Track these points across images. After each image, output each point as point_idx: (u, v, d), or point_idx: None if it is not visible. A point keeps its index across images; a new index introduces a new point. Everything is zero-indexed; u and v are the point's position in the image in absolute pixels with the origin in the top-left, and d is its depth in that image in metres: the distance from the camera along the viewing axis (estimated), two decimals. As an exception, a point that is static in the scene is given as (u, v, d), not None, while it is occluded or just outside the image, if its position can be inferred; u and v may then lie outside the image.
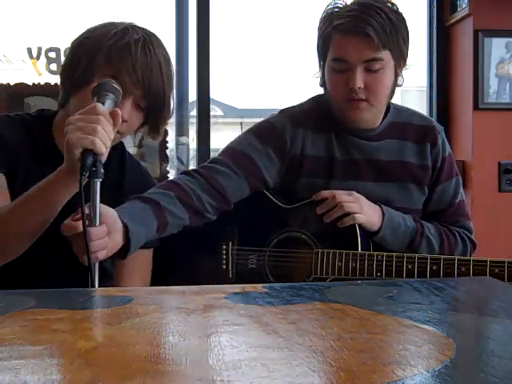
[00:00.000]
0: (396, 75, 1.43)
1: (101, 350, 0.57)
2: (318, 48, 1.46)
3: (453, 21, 2.58)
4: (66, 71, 1.27)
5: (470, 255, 1.50)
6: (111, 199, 1.33)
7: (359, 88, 1.36)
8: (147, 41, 1.25)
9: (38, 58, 2.43)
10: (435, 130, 1.51)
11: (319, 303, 0.77)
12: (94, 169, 1.04)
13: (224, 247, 1.48)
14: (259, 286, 0.89)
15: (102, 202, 1.30)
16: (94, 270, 1.08)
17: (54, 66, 2.44)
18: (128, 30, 1.24)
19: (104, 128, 1.06)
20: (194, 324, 0.68)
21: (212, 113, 2.63)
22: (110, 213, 1.15)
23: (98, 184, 1.07)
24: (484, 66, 2.47)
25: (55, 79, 2.38)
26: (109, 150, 1.09)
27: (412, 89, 3.66)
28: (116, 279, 1.35)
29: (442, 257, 1.34)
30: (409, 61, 1.47)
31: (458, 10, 2.53)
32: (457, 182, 1.53)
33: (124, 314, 0.71)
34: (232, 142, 1.50)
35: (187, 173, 1.43)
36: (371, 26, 1.34)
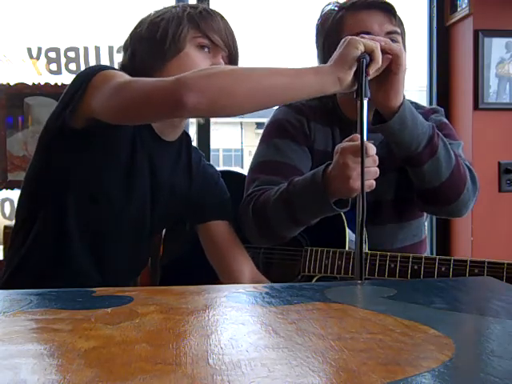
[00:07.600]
0: None
1: (101, 350, 0.57)
2: (323, 42, 1.42)
3: (453, 21, 2.58)
4: (148, 51, 1.26)
5: (477, 190, 1.37)
6: (184, 180, 1.38)
7: None
8: (214, 10, 1.33)
9: (38, 58, 2.42)
10: (426, 115, 1.42)
11: (319, 303, 0.77)
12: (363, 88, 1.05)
13: None
14: (259, 286, 0.89)
15: (176, 181, 1.36)
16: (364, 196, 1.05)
17: (53, 66, 2.43)
18: (188, 5, 1.31)
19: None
20: (194, 324, 0.68)
21: (212, 112, 2.61)
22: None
23: (365, 102, 1.06)
24: (484, 66, 2.47)
25: (55, 79, 2.37)
26: None
27: (412, 89, 3.65)
28: (225, 258, 1.40)
29: (424, 256, 1.29)
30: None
31: (458, 10, 2.53)
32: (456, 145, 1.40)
33: (124, 314, 0.71)
34: (266, 155, 1.43)
35: (253, 196, 1.36)
36: (390, 4, 1.38)
